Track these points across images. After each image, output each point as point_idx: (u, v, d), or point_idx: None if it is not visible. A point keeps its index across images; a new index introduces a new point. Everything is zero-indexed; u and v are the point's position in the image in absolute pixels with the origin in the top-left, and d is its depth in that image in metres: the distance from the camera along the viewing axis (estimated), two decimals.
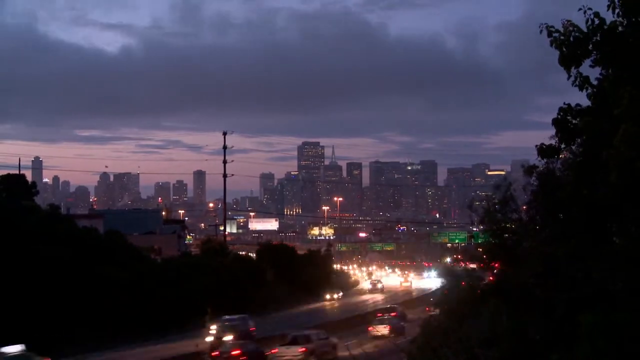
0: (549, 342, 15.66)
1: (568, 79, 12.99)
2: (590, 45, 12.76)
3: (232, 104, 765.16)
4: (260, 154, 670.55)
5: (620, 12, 12.43)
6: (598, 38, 12.63)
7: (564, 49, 12.69)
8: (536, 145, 14.54)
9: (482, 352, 18.75)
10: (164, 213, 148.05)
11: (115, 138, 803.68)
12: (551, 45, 12.84)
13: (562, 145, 14.28)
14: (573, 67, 12.88)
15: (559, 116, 13.61)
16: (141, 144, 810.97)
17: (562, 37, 12.70)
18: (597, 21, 12.53)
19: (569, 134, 13.72)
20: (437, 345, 23.46)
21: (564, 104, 13.70)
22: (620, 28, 12.56)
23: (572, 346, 13.83)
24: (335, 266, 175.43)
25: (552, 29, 12.79)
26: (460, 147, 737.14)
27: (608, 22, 12.67)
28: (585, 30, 12.76)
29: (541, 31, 12.85)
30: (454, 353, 20.70)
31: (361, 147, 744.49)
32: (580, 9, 12.63)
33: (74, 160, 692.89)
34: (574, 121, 13.59)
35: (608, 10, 12.52)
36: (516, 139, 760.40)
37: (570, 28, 12.76)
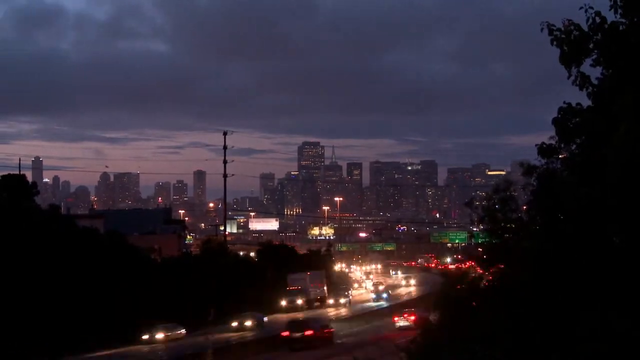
0: (549, 342, 15.64)
1: (568, 78, 12.97)
2: (591, 44, 12.73)
3: (252, 104, 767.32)
4: (277, 154, 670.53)
5: (621, 12, 12.39)
6: (599, 37, 12.60)
7: (565, 48, 12.68)
8: (536, 145, 14.56)
9: (483, 351, 18.72)
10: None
11: (138, 139, 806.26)
12: (552, 43, 12.81)
13: (562, 145, 14.26)
14: (573, 67, 12.86)
15: (559, 116, 13.59)
16: (162, 144, 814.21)
17: (563, 36, 12.67)
18: (598, 20, 12.49)
19: (569, 133, 13.70)
20: (437, 344, 23.44)
21: (564, 103, 13.68)
22: (621, 27, 12.52)
23: (572, 346, 13.80)
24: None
25: (553, 27, 12.77)
26: (483, 149, 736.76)
27: (609, 21, 12.63)
28: (586, 29, 12.73)
29: (542, 29, 12.82)
30: (454, 352, 20.67)
31: (378, 148, 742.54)
32: (581, 8, 12.59)
33: (97, 161, 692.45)
34: (574, 120, 13.57)
35: (610, 10, 12.48)
36: (536, 140, 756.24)
37: (571, 27, 12.73)
